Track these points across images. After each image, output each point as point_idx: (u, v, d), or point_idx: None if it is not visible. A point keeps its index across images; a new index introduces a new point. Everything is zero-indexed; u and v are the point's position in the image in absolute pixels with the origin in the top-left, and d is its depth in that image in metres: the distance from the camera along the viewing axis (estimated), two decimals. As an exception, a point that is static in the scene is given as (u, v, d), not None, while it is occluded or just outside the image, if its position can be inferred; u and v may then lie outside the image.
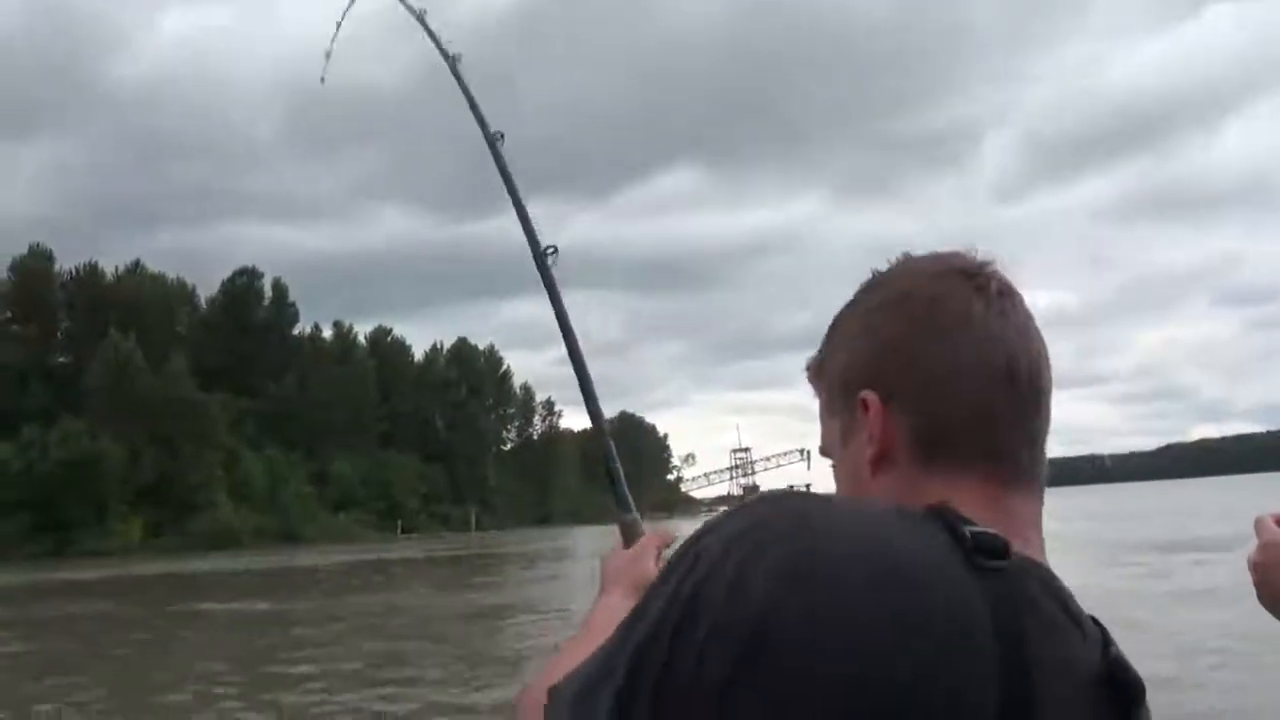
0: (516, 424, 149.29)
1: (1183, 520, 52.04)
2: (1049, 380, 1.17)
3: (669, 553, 1.30)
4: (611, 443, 2.09)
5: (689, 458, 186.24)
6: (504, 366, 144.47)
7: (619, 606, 1.45)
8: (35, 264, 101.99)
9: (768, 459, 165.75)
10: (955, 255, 1.19)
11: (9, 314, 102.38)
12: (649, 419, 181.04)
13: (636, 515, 1.89)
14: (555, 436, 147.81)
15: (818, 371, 1.27)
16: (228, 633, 25.51)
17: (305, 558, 65.01)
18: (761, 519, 1.00)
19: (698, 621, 0.94)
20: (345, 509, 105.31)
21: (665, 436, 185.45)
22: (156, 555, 75.86)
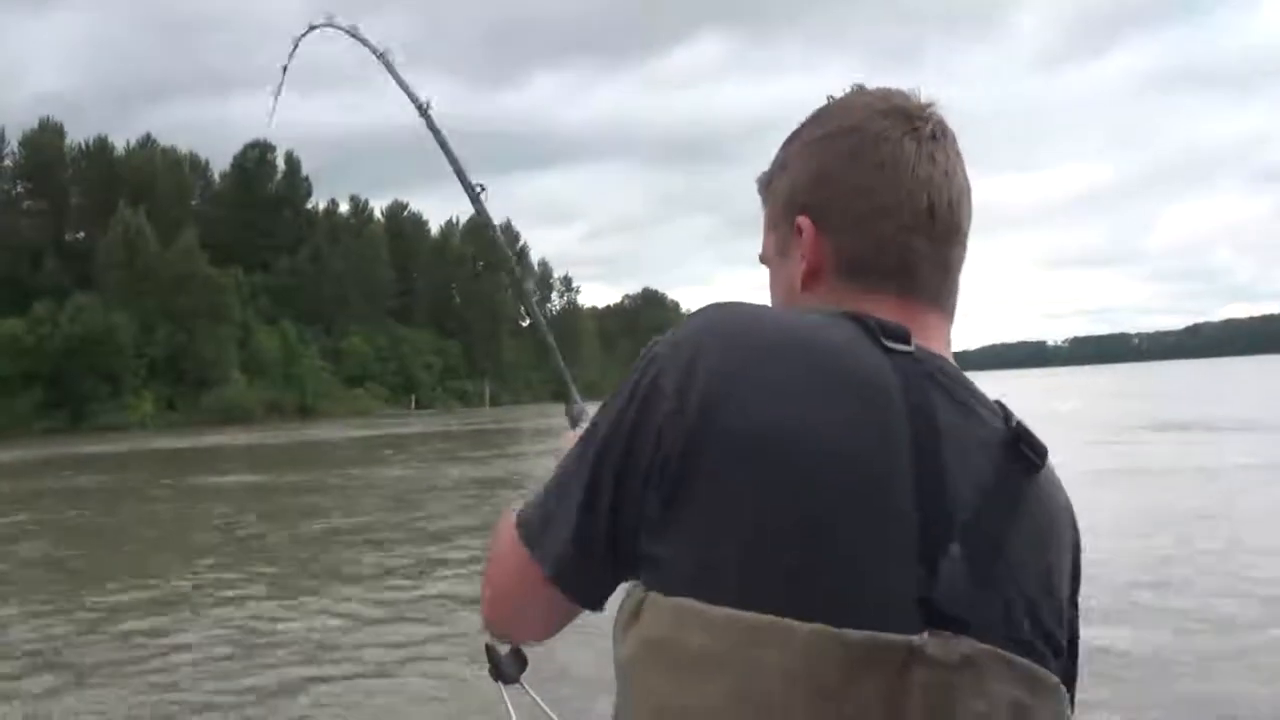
0: (535, 299, 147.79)
1: (1195, 402, 51.75)
2: (967, 219, 1.31)
3: None
4: (554, 342, 2.30)
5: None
6: (521, 242, 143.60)
7: None
8: (45, 138, 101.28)
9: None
10: (899, 95, 1.31)
11: (20, 189, 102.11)
12: (672, 295, 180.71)
13: (583, 405, 2.03)
14: (573, 312, 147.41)
15: (766, 187, 1.39)
16: (212, 502, 25.44)
17: (315, 432, 65.15)
18: (701, 322, 1.19)
19: (655, 409, 1.14)
20: (360, 383, 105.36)
21: (688, 313, 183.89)
22: (169, 430, 76.48)
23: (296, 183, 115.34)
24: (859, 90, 1.35)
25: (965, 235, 1.31)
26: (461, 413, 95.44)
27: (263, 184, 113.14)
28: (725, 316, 1.19)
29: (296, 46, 3.04)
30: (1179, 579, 11.37)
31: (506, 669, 1.80)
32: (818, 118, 1.34)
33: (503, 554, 1.30)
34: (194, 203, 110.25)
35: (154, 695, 8.65)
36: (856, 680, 1.04)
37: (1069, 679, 1.21)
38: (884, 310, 1.22)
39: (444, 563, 14.30)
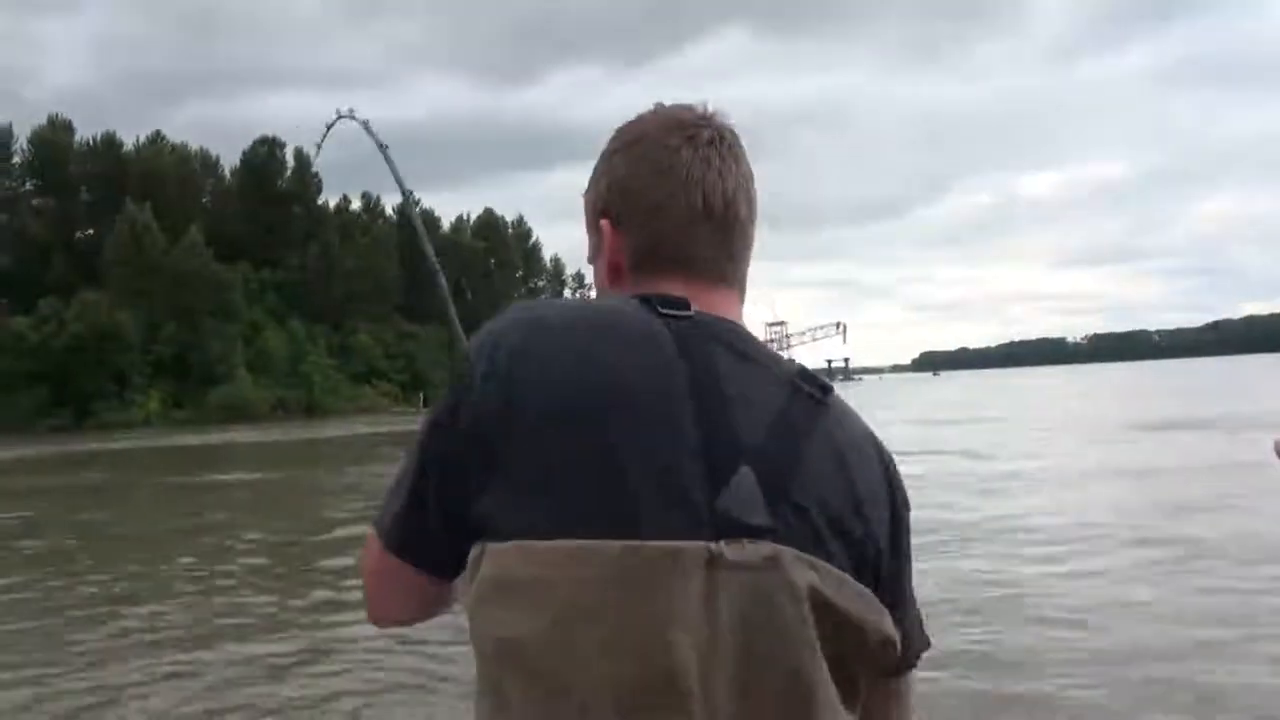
0: (546, 296, 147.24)
1: (1209, 399, 51.24)
2: (747, 211, 1.46)
3: None
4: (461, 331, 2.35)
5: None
6: (533, 238, 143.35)
7: None
8: (54, 135, 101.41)
9: (803, 333, 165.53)
10: (682, 109, 1.48)
11: (30, 186, 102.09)
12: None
13: None
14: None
15: (585, 196, 1.54)
16: (209, 499, 25.59)
17: (320, 430, 64.88)
18: (503, 317, 1.35)
19: (466, 393, 1.28)
20: (368, 381, 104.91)
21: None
22: (174, 427, 76.37)
23: (306, 179, 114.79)
24: (654, 109, 1.50)
25: (747, 225, 1.47)
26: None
27: (272, 180, 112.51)
28: (522, 309, 1.35)
29: (327, 132, 4.17)
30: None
31: None
32: (614, 136, 1.50)
33: (365, 544, 1.44)
34: (204, 200, 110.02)
35: (154, 687, 8.79)
36: (667, 586, 1.17)
37: (894, 603, 1.32)
38: (670, 290, 1.37)
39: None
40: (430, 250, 2.97)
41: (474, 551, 1.25)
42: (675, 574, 1.17)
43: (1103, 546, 13.30)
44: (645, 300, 1.33)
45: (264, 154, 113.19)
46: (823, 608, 1.21)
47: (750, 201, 1.47)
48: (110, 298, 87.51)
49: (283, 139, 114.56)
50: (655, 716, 1.16)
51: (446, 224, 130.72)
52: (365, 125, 3.72)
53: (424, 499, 1.32)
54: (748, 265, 1.49)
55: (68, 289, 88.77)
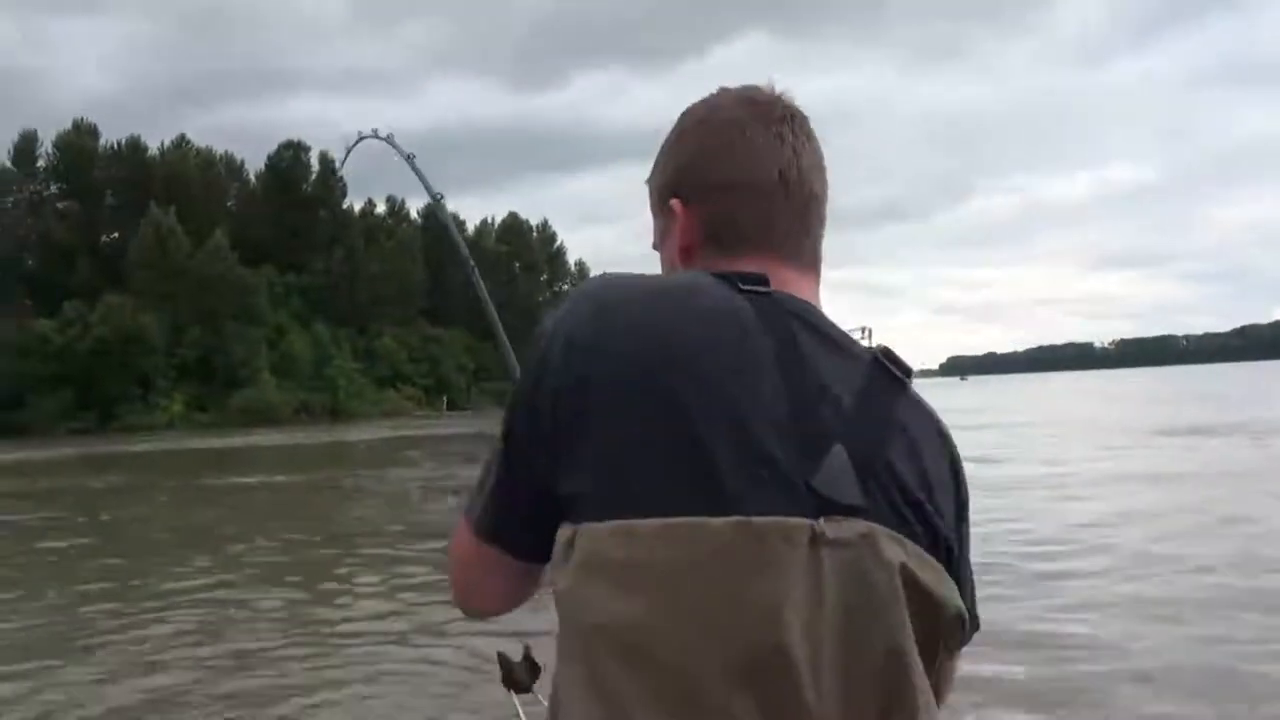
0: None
1: (1234, 405, 50.84)
2: (821, 188, 1.45)
3: None
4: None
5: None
6: (557, 242, 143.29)
7: None
8: (79, 140, 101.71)
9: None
10: (753, 89, 1.47)
11: (55, 190, 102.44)
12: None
13: None
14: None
15: (649, 181, 1.53)
16: (215, 500, 25.38)
17: (338, 434, 64.80)
18: (577, 292, 1.33)
19: (546, 373, 1.27)
20: (392, 385, 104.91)
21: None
22: (197, 431, 76.29)
23: (331, 183, 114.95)
24: (720, 90, 1.49)
25: (821, 201, 1.45)
26: (494, 414, 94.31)
27: (297, 184, 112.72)
28: (597, 283, 1.33)
29: (348, 154, 4.06)
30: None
31: (520, 676, 1.81)
32: (682, 116, 1.49)
33: (455, 534, 1.44)
34: (229, 203, 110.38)
35: (162, 682, 8.80)
36: (776, 563, 1.16)
37: (959, 585, 1.30)
38: (744, 267, 1.35)
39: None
40: (464, 249, 3.09)
41: (565, 533, 1.23)
42: (785, 551, 1.17)
43: (1090, 550, 13.07)
44: (723, 276, 1.32)
45: (289, 158, 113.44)
46: (911, 585, 1.21)
47: (824, 178, 1.46)
48: (134, 301, 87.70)
49: (307, 143, 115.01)
50: (766, 692, 1.16)
51: (471, 228, 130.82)
52: (390, 140, 3.65)
53: (512, 482, 1.32)
54: (822, 243, 1.47)
55: (92, 292, 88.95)
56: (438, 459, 36.25)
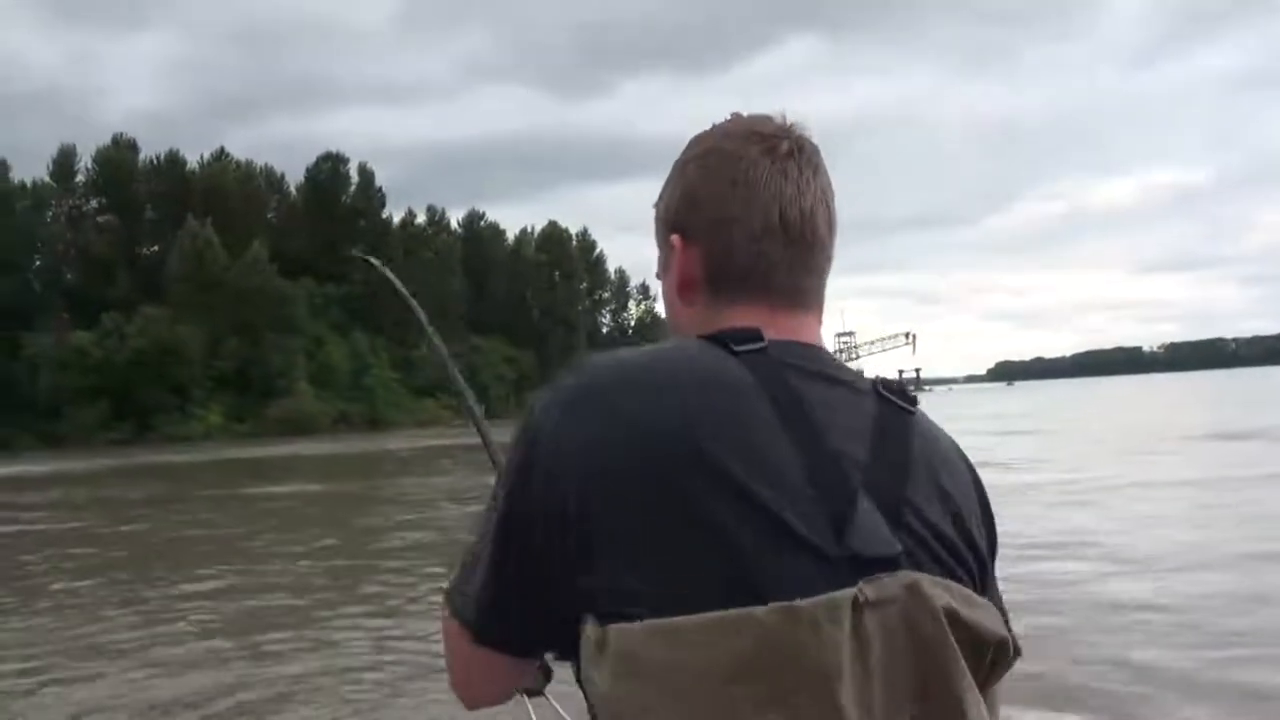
0: (611, 308, 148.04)
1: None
2: (826, 227, 1.39)
3: None
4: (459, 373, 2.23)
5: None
6: (597, 250, 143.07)
7: None
8: (118, 154, 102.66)
9: (872, 343, 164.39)
10: (760, 120, 1.41)
11: (95, 204, 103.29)
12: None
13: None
14: (652, 321, 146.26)
15: (656, 208, 1.48)
16: (245, 509, 25.78)
17: (375, 443, 64.51)
18: (567, 380, 1.25)
19: (539, 468, 1.20)
20: (431, 394, 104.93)
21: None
22: (234, 441, 76.45)
23: (370, 194, 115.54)
24: (730, 118, 1.44)
25: (826, 242, 1.39)
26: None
27: (336, 196, 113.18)
28: (591, 364, 1.26)
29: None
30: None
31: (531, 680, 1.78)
32: (690, 144, 1.44)
33: (444, 629, 1.38)
34: (270, 215, 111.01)
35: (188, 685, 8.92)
36: (823, 642, 1.11)
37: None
38: (744, 317, 1.32)
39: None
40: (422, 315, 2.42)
41: (593, 632, 1.16)
42: (832, 629, 1.12)
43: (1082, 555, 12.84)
44: (714, 340, 1.26)
45: (328, 170, 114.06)
46: (959, 625, 1.18)
47: (830, 217, 1.41)
48: (172, 313, 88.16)
49: (346, 154, 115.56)
50: None
51: (510, 236, 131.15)
52: (382, 268, 3.02)
53: (510, 578, 1.25)
54: (825, 284, 1.42)
55: (131, 305, 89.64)
56: (468, 468, 35.56)
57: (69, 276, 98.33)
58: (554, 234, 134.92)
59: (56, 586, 14.46)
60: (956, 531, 1.25)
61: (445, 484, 29.82)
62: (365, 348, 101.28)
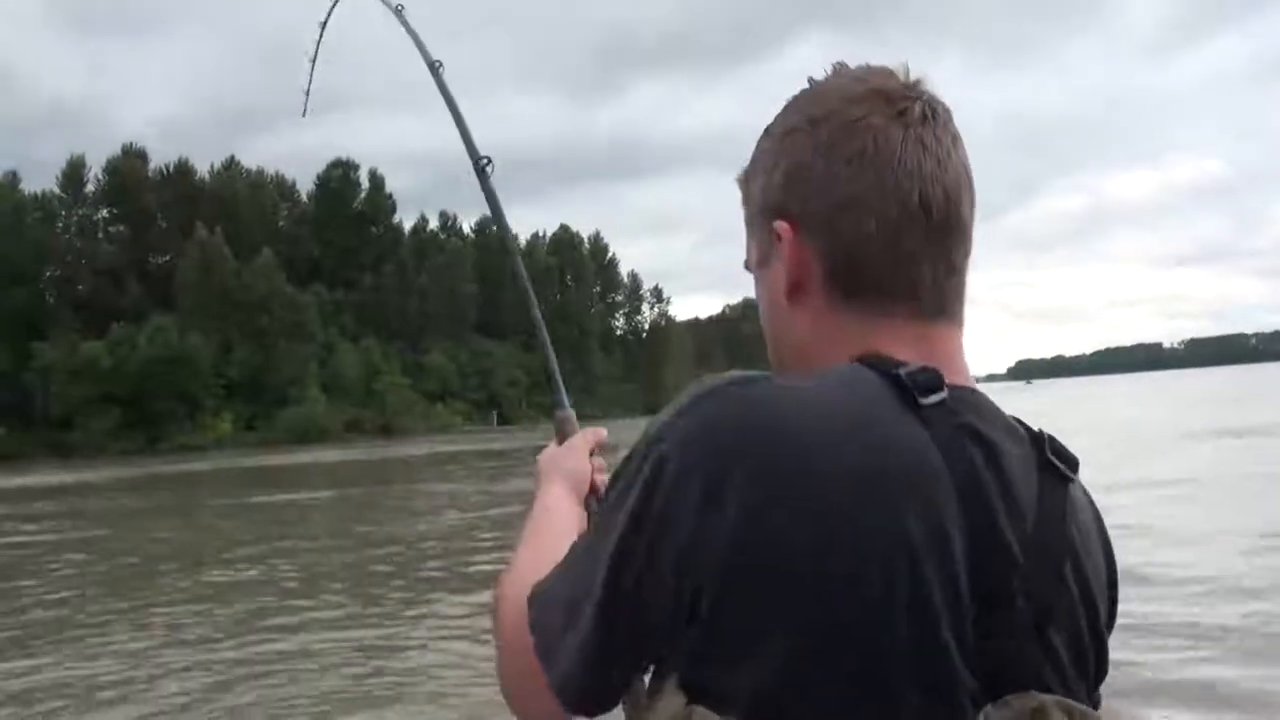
0: (624, 312, 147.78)
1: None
2: (970, 210, 1.18)
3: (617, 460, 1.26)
4: (549, 343, 2.08)
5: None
6: (609, 254, 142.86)
7: (558, 499, 1.54)
8: (128, 164, 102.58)
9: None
10: (882, 74, 1.18)
11: (106, 214, 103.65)
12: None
13: (570, 412, 1.88)
14: (665, 325, 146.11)
15: (743, 185, 1.27)
16: (249, 516, 25.92)
17: (386, 451, 64.50)
18: (709, 421, 1.05)
19: (668, 538, 1.02)
20: (442, 399, 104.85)
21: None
22: (245, 449, 76.37)
23: (381, 200, 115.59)
24: (837, 71, 1.21)
25: (969, 228, 1.18)
26: (546, 428, 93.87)
27: (347, 202, 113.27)
28: (751, 399, 1.06)
29: (331, 12, 3.14)
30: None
31: None
32: (791, 106, 1.21)
33: (514, 647, 1.21)
34: (281, 223, 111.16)
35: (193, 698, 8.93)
36: None
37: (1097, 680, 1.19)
38: (894, 334, 1.14)
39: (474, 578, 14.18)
40: (523, 271, 2.24)
41: (674, 703, 1.03)
42: None
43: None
44: (891, 376, 1.07)
45: (338, 176, 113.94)
46: None
47: (973, 195, 1.18)
48: (181, 321, 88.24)
49: (356, 161, 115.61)
50: None
51: (523, 241, 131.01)
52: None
53: (609, 645, 1.09)
54: (967, 286, 1.19)
55: (142, 314, 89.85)
56: (475, 475, 36.13)
57: (79, 287, 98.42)
58: (565, 237, 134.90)
59: (53, 596, 14.56)
60: (1089, 629, 1.13)
61: (452, 491, 29.67)
62: (376, 354, 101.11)
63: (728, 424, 1.04)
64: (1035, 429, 1.15)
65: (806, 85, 1.21)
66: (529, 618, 1.17)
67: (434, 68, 2.40)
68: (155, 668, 9.85)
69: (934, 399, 1.07)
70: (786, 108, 1.21)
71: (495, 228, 2.29)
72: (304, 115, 3.17)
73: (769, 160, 1.20)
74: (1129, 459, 23.54)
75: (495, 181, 2.19)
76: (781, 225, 1.16)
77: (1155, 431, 35.72)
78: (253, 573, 15.67)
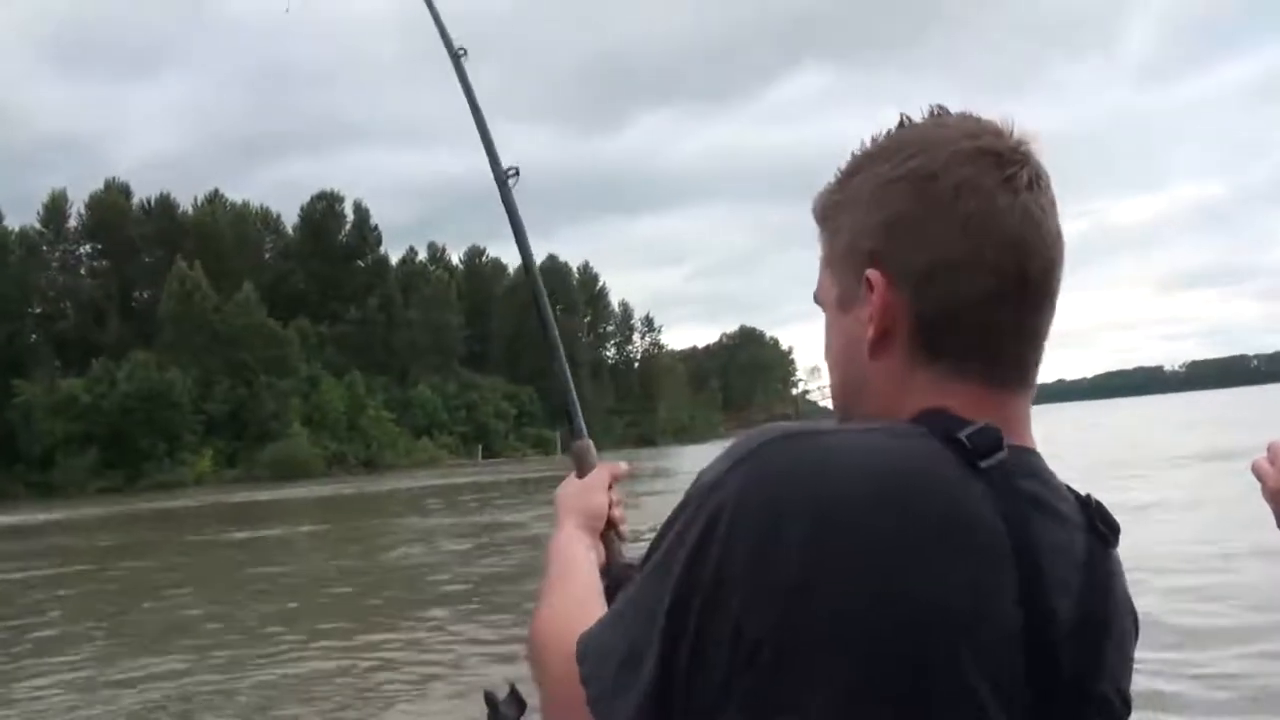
0: (615, 342, 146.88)
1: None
2: (1059, 281, 1.18)
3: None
4: (569, 371, 2.05)
5: (815, 370, 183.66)
6: (600, 284, 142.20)
7: (573, 539, 1.56)
8: (110, 198, 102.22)
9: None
10: (990, 131, 1.17)
11: (89, 249, 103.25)
12: (774, 334, 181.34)
13: (589, 442, 1.87)
14: (656, 354, 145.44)
15: (824, 215, 1.26)
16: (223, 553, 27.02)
17: (363, 486, 64.11)
18: (767, 473, 1.05)
19: (729, 591, 1.02)
20: (428, 433, 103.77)
21: (790, 350, 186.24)
22: (226, 486, 75.64)
23: (365, 232, 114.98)
24: (940, 119, 1.20)
25: (1055, 298, 1.17)
26: (532, 461, 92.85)
27: (332, 235, 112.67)
28: (794, 463, 1.06)
29: None
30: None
31: (506, 713, 1.74)
32: (893, 151, 1.17)
33: (565, 701, 1.18)
34: (267, 256, 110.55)
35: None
36: None
37: None
38: (964, 399, 1.13)
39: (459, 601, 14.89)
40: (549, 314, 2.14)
41: None
42: None
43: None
44: (950, 439, 1.07)
45: (322, 209, 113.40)
46: None
47: (1062, 264, 1.17)
48: (161, 357, 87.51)
49: (341, 192, 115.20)
50: None
51: (510, 272, 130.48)
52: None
53: (676, 692, 1.06)
54: (1044, 354, 1.19)
55: (124, 350, 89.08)
56: (454, 508, 36.92)
57: (60, 323, 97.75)
58: (554, 267, 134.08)
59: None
60: (1118, 694, 1.13)
61: (429, 526, 30.51)
62: (361, 388, 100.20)
63: (784, 478, 1.04)
64: (1084, 494, 1.17)
65: (901, 124, 1.20)
66: (581, 672, 1.14)
67: (457, 56, 2.36)
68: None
69: (993, 460, 1.07)
70: (886, 149, 1.18)
71: (519, 250, 2.26)
72: (286, 11, 3.24)
73: (864, 205, 1.18)
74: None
75: (518, 194, 2.19)
76: (874, 274, 1.14)
77: (1146, 454, 35.53)
78: (219, 608, 16.17)
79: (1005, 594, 1.02)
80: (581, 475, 1.76)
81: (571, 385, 2.00)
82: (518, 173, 2.23)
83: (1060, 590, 1.06)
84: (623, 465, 1.76)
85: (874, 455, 1.05)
